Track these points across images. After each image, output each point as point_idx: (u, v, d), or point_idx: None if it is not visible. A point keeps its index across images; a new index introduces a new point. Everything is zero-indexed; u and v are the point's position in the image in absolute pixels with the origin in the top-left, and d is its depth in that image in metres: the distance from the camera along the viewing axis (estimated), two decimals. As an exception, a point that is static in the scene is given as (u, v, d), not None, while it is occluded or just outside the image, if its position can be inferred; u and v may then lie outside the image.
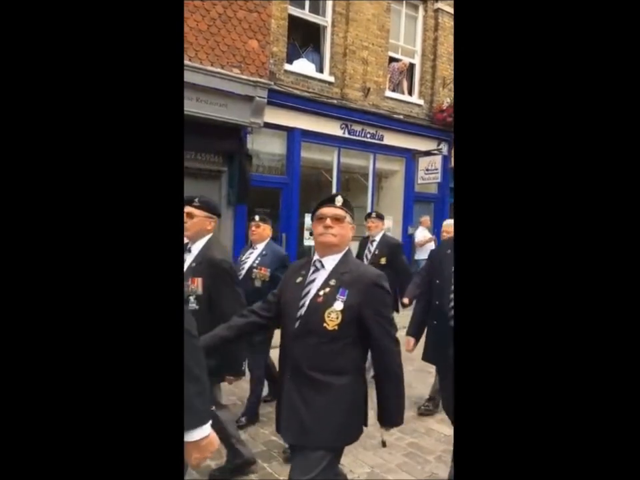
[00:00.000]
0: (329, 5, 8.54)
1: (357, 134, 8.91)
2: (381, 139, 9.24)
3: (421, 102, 9.89)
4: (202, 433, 1.34)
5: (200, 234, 2.36)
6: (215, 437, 1.41)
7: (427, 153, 9.77)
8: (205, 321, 2.14)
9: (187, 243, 2.42)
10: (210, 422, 1.39)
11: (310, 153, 8.60)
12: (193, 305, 2.28)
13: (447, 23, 9.84)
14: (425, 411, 4.04)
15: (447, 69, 9.97)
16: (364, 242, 4.92)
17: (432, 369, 4.05)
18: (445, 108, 9.60)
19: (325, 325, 1.84)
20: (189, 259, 2.32)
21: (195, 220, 2.32)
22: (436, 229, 9.35)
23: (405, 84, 9.75)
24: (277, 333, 2.10)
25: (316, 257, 2.01)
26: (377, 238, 4.76)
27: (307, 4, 8.36)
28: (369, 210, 8.39)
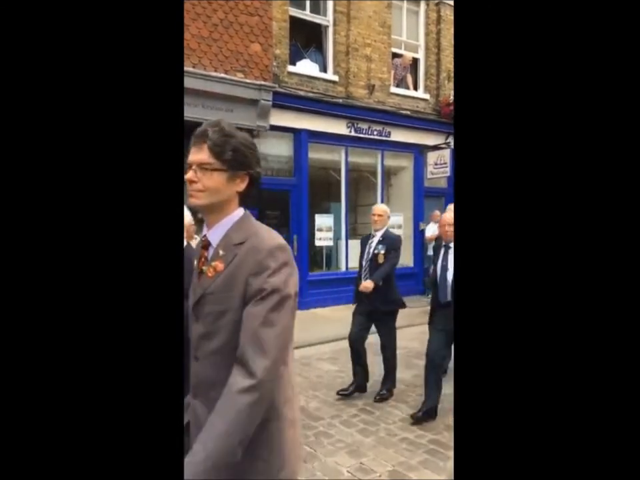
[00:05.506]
0: (330, 4, 8.53)
1: (364, 132, 8.89)
2: (388, 135, 9.21)
3: (427, 96, 9.83)
4: None
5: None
6: None
7: (436, 148, 9.71)
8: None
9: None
10: None
11: (317, 154, 8.60)
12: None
13: (450, 15, 9.78)
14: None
15: (451, 61, 9.90)
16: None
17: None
18: (451, 101, 9.54)
19: None
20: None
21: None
22: (448, 224, 9.28)
23: (410, 79, 9.71)
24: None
25: None
26: None
27: (308, 4, 8.36)
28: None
